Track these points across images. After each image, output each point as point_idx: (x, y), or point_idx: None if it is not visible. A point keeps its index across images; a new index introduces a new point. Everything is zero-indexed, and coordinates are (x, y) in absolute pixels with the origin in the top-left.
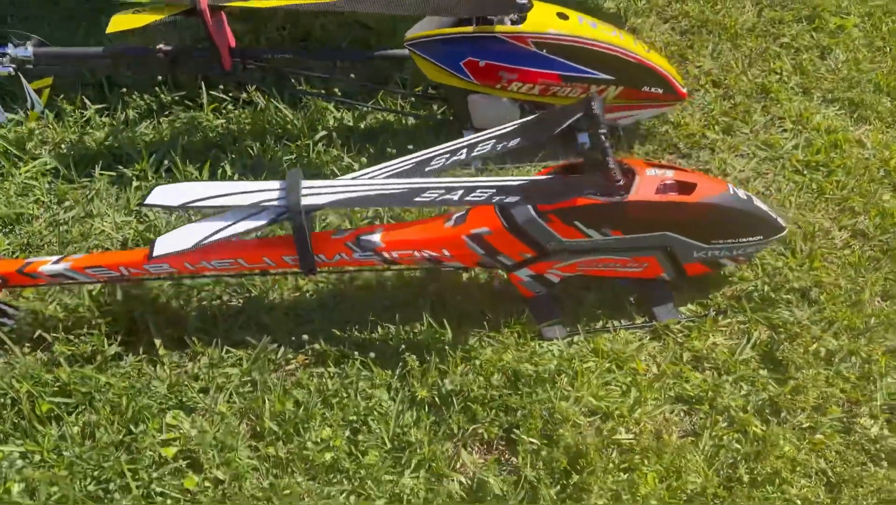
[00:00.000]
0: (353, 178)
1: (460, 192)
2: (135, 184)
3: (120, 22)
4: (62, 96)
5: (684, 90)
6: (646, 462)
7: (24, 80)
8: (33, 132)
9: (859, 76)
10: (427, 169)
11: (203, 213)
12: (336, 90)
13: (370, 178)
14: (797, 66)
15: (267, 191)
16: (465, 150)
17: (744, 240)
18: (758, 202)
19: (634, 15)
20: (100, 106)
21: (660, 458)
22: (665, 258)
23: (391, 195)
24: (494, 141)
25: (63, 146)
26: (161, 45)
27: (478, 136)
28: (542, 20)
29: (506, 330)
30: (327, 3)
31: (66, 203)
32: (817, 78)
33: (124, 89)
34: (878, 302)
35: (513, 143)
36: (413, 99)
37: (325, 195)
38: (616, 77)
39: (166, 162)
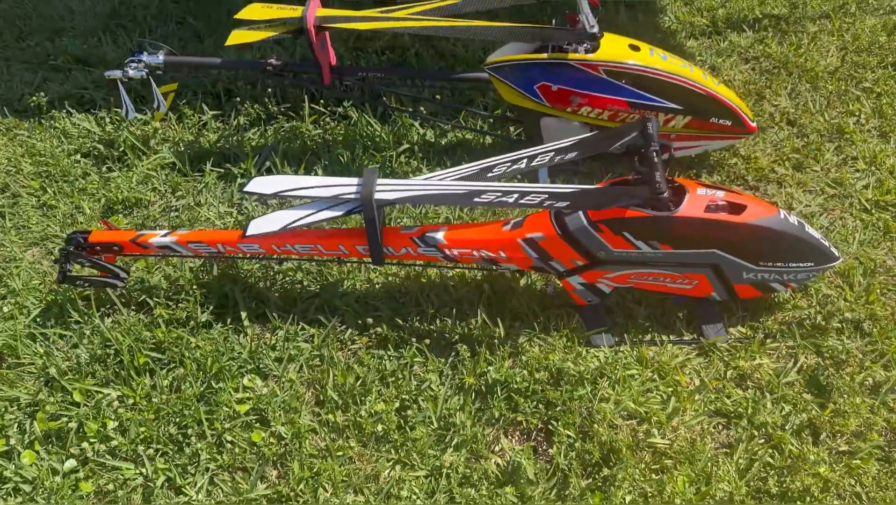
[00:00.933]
0: (423, 179)
1: (515, 195)
2: (239, 181)
3: (238, 36)
4: (185, 101)
5: (754, 124)
6: (678, 466)
7: (153, 84)
8: (157, 131)
9: None
10: (489, 175)
11: (291, 202)
12: (422, 109)
13: (438, 179)
14: (877, 109)
15: (346, 186)
16: (525, 160)
17: (793, 265)
18: (810, 230)
19: (717, 55)
20: (216, 112)
21: (692, 463)
22: (715, 277)
23: (454, 195)
24: (553, 153)
25: (181, 144)
26: (271, 60)
27: (538, 148)
28: (614, 50)
29: (555, 333)
30: (421, 27)
31: (179, 193)
32: None
33: (238, 99)
34: None
35: (570, 155)
36: (491, 120)
37: (396, 192)
38: (684, 107)
39: (268, 163)
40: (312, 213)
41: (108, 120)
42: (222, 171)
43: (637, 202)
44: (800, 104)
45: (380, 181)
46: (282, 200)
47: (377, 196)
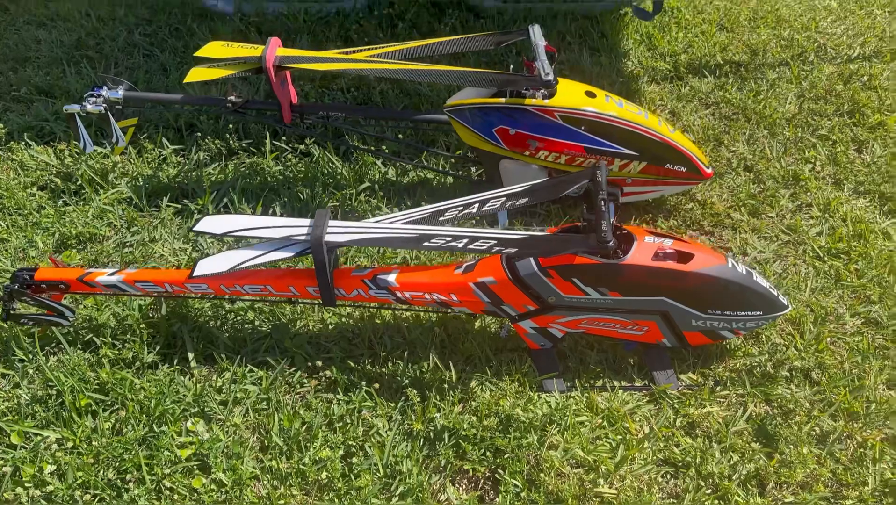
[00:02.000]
0: (374, 221)
1: (464, 240)
2: (195, 217)
3: (197, 74)
4: (145, 135)
5: (709, 170)
6: None
7: (112, 119)
8: (116, 165)
9: (895, 171)
10: (441, 219)
11: (241, 242)
12: (384, 148)
13: (390, 222)
14: (831, 156)
15: (297, 226)
16: (476, 205)
17: (742, 313)
18: (759, 279)
19: (678, 99)
20: (177, 147)
21: None
22: (664, 324)
23: (404, 238)
24: (504, 199)
25: (140, 179)
26: (231, 97)
27: (489, 193)
28: (571, 96)
29: (507, 378)
30: (380, 69)
31: (134, 228)
32: (851, 170)
33: (199, 134)
34: (882, 390)
35: (521, 202)
36: (453, 160)
37: (346, 234)
38: (639, 153)
39: (225, 200)
40: (261, 254)
41: (67, 153)
42: (179, 206)
43: (584, 250)
44: (757, 150)
45: (331, 223)
46: (236, 239)
47: (328, 238)
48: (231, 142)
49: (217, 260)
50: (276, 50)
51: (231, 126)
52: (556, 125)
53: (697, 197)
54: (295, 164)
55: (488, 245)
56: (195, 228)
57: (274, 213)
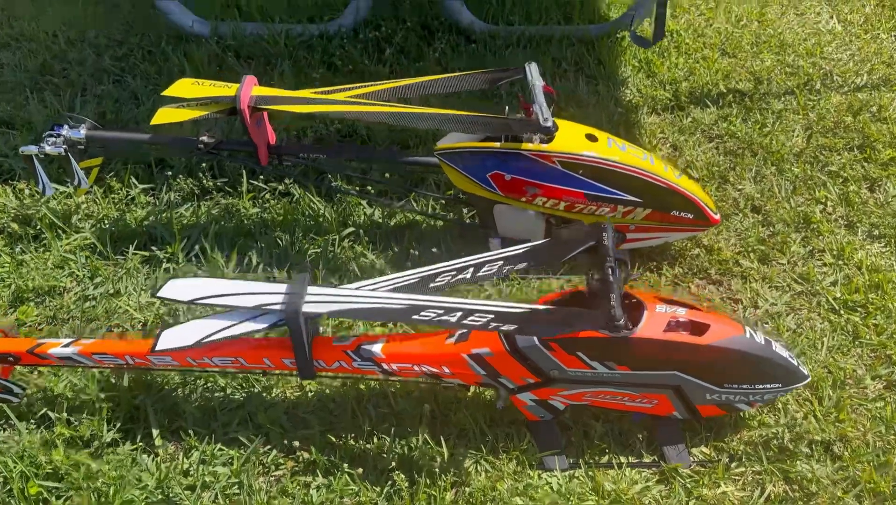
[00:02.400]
0: (357, 288)
1: (458, 314)
2: (164, 266)
3: (165, 115)
4: (112, 173)
5: (717, 216)
6: None
7: (72, 160)
8: (79, 206)
9: None
10: (431, 285)
11: (212, 309)
12: (370, 188)
13: (374, 288)
14: (843, 196)
15: (271, 293)
16: (471, 269)
17: (760, 386)
18: (778, 348)
19: (679, 132)
20: (146, 186)
21: None
22: (676, 397)
23: (390, 310)
24: (501, 262)
25: (105, 221)
26: (203, 137)
27: (485, 257)
28: (571, 140)
29: (504, 455)
30: (363, 112)
31: (98, 279)
32: (864, 211)
33: (170, 172)
34: None
35: (520, 266)
36: (444, 201)
37: (327, 303)
38: (643, 200)
39: (197, 247)
40: (232, 326)
41: (27, 192)
42: (147, 254)
43: (591, 329)
44: (765, 189)
45: (311, 290)
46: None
47: (306, 309)
48: (204, 181)
49: (182, 331)
50: (251, 89)
51: (205, 164)
52: (555, 171)
53: (704, 242)
54: (273, 206)
55: (484, 320)
56: (159, 294)
57: (249, 262)
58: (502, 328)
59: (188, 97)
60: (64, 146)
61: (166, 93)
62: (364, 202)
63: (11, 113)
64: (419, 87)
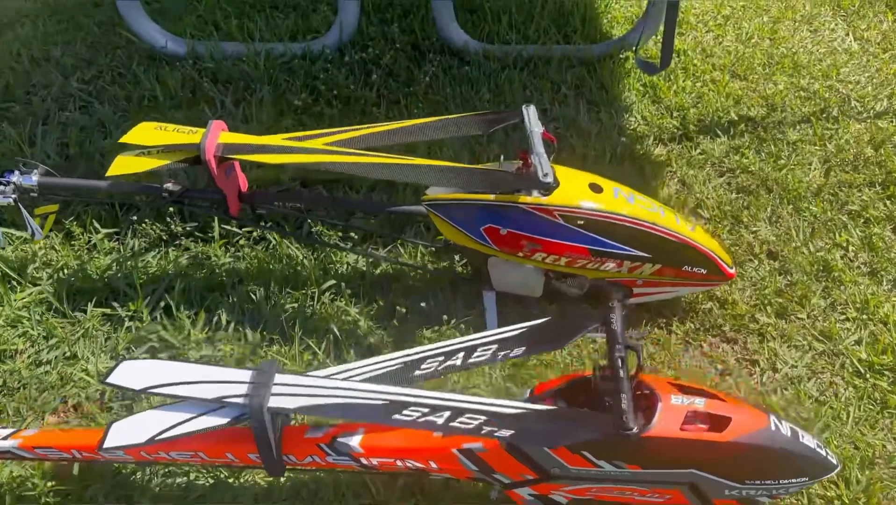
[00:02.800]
0: (330, 376)
1: (446, 414)
2: (126, 324)
3: (123, 164)
4: (73, 217)
5: (732, 271)
6: None
7: (24, 211)
8: (36, 254)
9: None
10: (416, 373)
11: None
12: (353, 234)
13: (351, 376)
14: (866, 240)
15: (234, 383)
16: (461, 355)
17: (785, 481)
18: (806, 439)
19: (687, 165)
20: (110, 231)
21: None
22: (691, 493)
23: (367, 407)
24: (496, 347)
25: (65, 271)
26: (168, 185)
27: (477, 338)
28: (572, 191)
29: None
30: (341, 163)
31: (53, 340)
32: (888, 258)
33: (135, 217)
34: None
35: (516, 352)
36: (433, 249)
37: (295, 397)
38: (652, 255)
39: (163, 303)
40: (188, 420)
41: None
42: (108, 311)
43: (598, 437)
44: (781, 232)
45: (279, 378)
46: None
47: (271, 403)
48: (173, 225)
49: (134, 425)
50: (218, 136)
51: (172, 207)
52: (556, 225)
53: (717, 295)
54: (248, 254)
55: (476, 423)
56: (108, 380)
57: (219, 321)
58: (496, 434)
59: (149, 144)
60: (14, 196)
61: (125, 139)
62: (347, 247)
63: None
64: (404, 133)
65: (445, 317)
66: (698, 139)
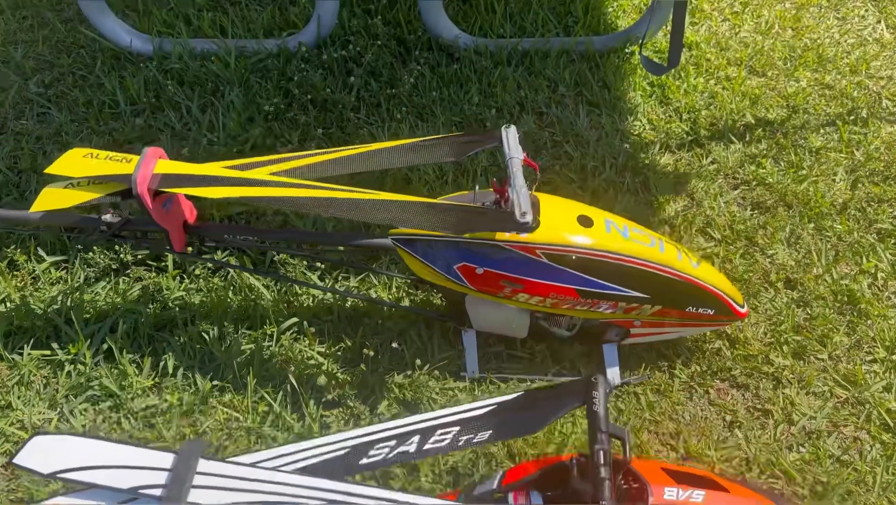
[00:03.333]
0: (259, 462)
1: (415, 439)
2: (66, 368)
3: (49, 198)
4: (15, 245)
5: (744, 310)
6: None
7: None
8: None
9: None
10: (364, 461)
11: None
12: (319, 264)
13: (286, 461)
14: None
15: (153, 470)
16: (416, 439)
17: None
18: None
19: (697, 177)
20: (57, 258)
21: None
22: None
23: None
24: (458, 429)
25: (6, 304)
26: (107, 216)
27: (436, 417)
28: (559, 227)
29: None
30: (292, 198)
31: None
32: None
33: (80, 247)
34: None
35: (481, 436)
36: (410, 279)
37: (219, 490)
38: (651, 295)
39: (105, 346)
40: None
41: None
42: (47, 353)
43: None
44: (801, 256)
45: (202, 466)
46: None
47: (191, 499)
48: (122, 254)
49: None
50: (153, 166)
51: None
52: (539, 264)
53: (726, 331)
54: (203, 285)
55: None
56: (16, 460)
57: (166, 367)
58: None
59: (77, 175)
60: None
61: (52, 169)
62: (312, 284)
63: None
64: (364, 160)
65: (419, 361)
66: (710, 146)
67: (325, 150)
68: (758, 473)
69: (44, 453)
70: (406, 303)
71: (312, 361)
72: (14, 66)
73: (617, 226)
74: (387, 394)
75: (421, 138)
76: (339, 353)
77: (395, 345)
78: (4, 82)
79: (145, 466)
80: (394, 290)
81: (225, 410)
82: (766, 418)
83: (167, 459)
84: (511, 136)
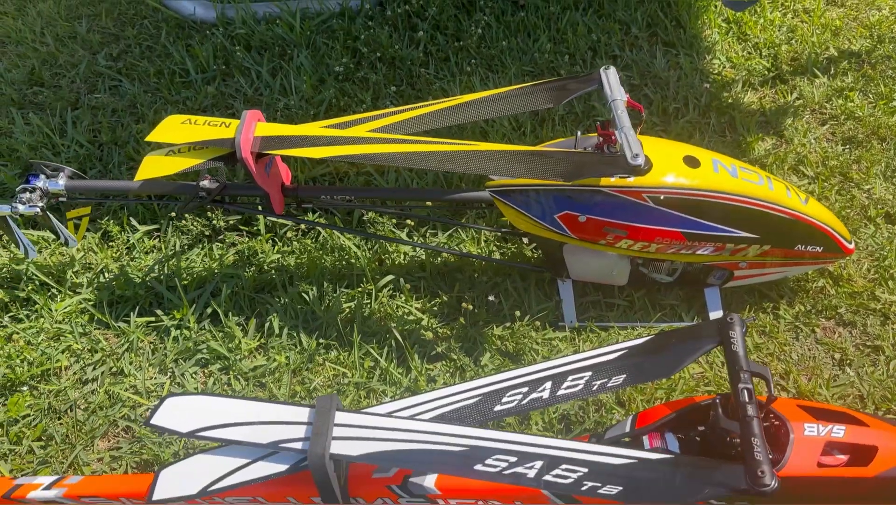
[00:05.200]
0: (396, 412)
1: (538, 464)
2: (173, 334)
3: (152, 166)
4: (109, 216)
5: (851, 246)
6: None
7: (53, 219)
8: (75, 258)
9: None
10: (497, 408)
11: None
12: (409, 221)
13: (418, 411)
14: None
15: (291, 424)
16: (549, 385)
17: None
18: None
19: (784, 114)
20: (149, 227)
21: None
22: None
23: (442, 454)
24: (590, 374)
25: (105, 275)
26: (205, 182)
27: (567, 363)
28: (665, 168)
29: None
30: (397, 154)
31: (97, 354)
32: None
33: (174, 214)
34: None
35: (615, 381)
36: (498, 233)
37: (359, 441)
38: (761, 235)
39: (209, 309)
40: (243, 468)
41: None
42: (152, 319)
43: (728, 493)
44: None
45: (339, 417)
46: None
47: (333, 448)
48: (215, 220)
49: (184, 472)
50: (253, 129)
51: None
52: (645, 208)
53: (829, 269)
54: (296, 248)
55: (575, 476)
56: (153, 421)
57: (271, 328)
58: (601, 491)
59: (178, 141)
60: (41, 204)
61: (152, 137)
62: (403, 233)
63: None
64: (460, 112)
65: (518, 313)
66: (794, 81)
67: (418, 104)
68: (873, 410)
69: (179, 413)
70: (497, 256)
71: (411, 317)
72: (80, 40)
73: (724, 165)
74: (488, 346)
75: (518, 86)
76: (436, 308)
77: (491, 298)
78: (73, 57)
79: (282, 421)
80: (482, 244)
81: (333, 366)
82: (876, 355)
83: (303, 414)
84: (612, 78)
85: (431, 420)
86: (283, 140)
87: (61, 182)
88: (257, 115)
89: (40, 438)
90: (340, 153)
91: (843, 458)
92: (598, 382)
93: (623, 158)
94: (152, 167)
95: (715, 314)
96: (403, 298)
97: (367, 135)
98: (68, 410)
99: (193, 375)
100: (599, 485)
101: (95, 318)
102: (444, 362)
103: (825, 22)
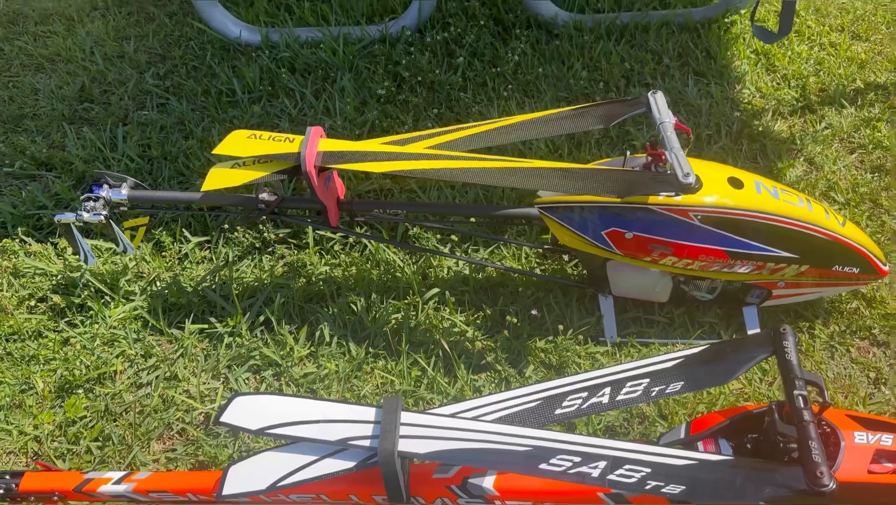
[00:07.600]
0: (460, 413)
1: (602, 464)
2: (226, 341)
3: (218, 178)
4: (161, 227)
5: (886, 268)
6: None
7: (115, 227)
8: (128, 267)
9: None
10: (557, 411)
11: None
12: (453, 237)
13: (480, 413)
14: None
15: (359, 422)
16: (608, 391)
17: None
18: None
19: (813, 142)
20: (200, 239)
21: None
22: None
23: (509, 454)
24: (648, 381)
25: (157, 285)
26: (264, 195)
27: (626, 371)
28: (710, 189)
29: None
30: (453, 170)
31: (152, 360)
32: None
33: (227, 226)
34: None
35: (673, 387)
36: (539, 249)
37: (427, 440)
38: (800, 255)
39: (262, 317)
40: (311, 465)
41: (69, 251)
42: (206, 326)
43: (787, 494)
44: None
45: (405, 417)
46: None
47: (402, 446)
48: (265, 233)
49: (252, 469)
50: (317, 144)
51: None
52: (691, 226)
53: (863, 291)
54: (343, 260)
55: (639, 476)
56: (223, 419)
57: (322, 336)
58: (664, 490)
59: (243, 154)
60: (104, 212)
61: (218, 150)
62: (448, 254)
63: (49, 153)
64: (513, 131)
65: (561, 327)
66: (822, 111)
67: (471, 123)
68: None
69: (247, 411)
70: (538, 273)
71: (456, 329)
72: (128, 59)
73: (766, 187)
74: (532, 358)
75: (571, 108)
76: (479, 321)
77: (534, 312)
78: (122, 75)
79: (350, 420)
80: (523, 260)
81: (381, 374)
82: None
83: (370, 413)
84: (660, 101)
85: (495, 421)
86: (345, 155)
87: (124, 192)
88: (320, 131)
89: (97, 438)
90: (400, 168)
91: (892, 466)
92: (657, 389)
93: (674, 177)
94: (218, 178)
95: (753, 333)
96: (448, 311)
97: (425, 151)
98: (124, 413)
99: (246, 381)
100: (662, 484)
101: (149, 324)
102: (489, 373)
103: (851, 55)
